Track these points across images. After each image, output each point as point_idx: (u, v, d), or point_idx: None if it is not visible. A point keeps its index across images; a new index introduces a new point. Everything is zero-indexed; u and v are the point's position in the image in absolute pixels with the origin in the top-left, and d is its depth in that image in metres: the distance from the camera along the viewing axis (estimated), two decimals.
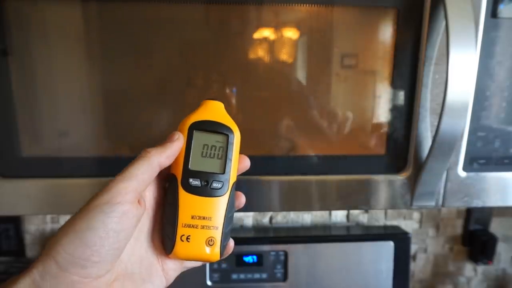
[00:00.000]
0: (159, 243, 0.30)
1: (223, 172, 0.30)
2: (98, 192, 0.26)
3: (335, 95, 0.48)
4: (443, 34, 0.45)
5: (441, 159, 0.45)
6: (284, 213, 0.87)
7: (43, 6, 0.42)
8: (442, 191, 0.50)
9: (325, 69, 0.46)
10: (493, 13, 0.45)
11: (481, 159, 0.49)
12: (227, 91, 0.46)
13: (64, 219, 0.83)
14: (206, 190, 0.29)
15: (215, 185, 0.30)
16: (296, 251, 0.79)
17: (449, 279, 0.95)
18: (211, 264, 0.78)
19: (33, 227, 0.83)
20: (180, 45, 0.44)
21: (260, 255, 0.79)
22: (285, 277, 0.79)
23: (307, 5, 0.44)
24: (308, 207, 0.50)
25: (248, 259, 0.79)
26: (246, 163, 0.32)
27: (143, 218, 0.29)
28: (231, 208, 0.30)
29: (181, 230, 0.29)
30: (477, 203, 0.51)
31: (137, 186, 0.26)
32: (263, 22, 0.44)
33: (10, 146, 0.45)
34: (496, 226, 0.92)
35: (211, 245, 0.30)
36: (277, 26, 0.45)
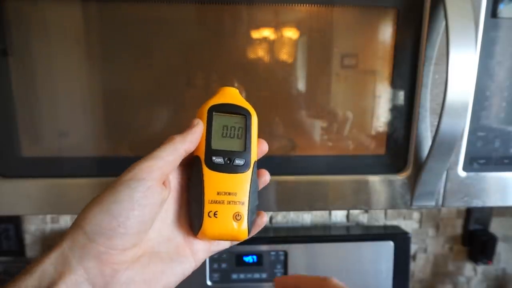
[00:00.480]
0: (186, 225, 0.31)
1: (244, 150, 0.31)
2: (125, 171, 0.27)
3: (335, 95, 0.48)
4: (443, 34, 0.45)
5: (441, 159, 0.45)
6: (284, 213, 0.87)
7: (43, 6, 0.42)
8: (442, 191, 0.50)
9: (325, 69, 0.46)
10: (493, 13, 0.45)
11: (481, 159, 0.49)
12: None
13: (64, 219, 0.83)
14: (229, 167, 0.30)
15: (237, 162, 0.31)
16: (296, 251, 0.79)
17: (449, 279, 0.95)
18: (211, 264, 0.78)
19: (33, 227, 0.83)
20: (180, 45, 0.44)
21: (260, 255, 0.79)
22: None
23: (307, 5, 0.44)
24: (308, 207, 0.50)
25: (248, 259, 0.79)
26: (265, 146, 0.33)
27: (169, 201, 0.30)
28: (255, 184, 0.31)
29: (208, 207, 0.29)
30: (477, 203, 0.51)
31: (162, 165, 0.27)
32: (263, 22, 0.44)
33: (10, 146, 0.45)
34: (496, 226, 0.92)
35: (238, 220, 0.30)
36: (277, 26, 0.45)
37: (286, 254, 0.79)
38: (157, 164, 0.27)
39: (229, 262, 0.78)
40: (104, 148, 0.47)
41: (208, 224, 0.29)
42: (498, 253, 0.93)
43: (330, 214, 0.89)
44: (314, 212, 0.88)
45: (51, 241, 0.84)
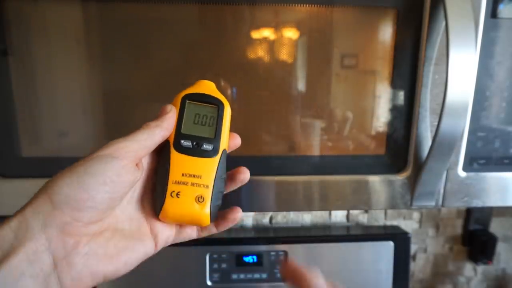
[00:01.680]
0: (150, 207, 0.31)
1: (214, 137, 0.32)
2: (100, 148, 0.27)
3: (335, 95, 0.48)
4: (443, 34, 0.45)
5: (441, 159, 0.45)
6: (284, 213, 0.87)
7: (43, 6, 0.42)
8: (442, 191, 0.50)
9: (325, 69, 0.46)
10: (493, 13, 0.45)
11: (481, 159, 0.49)
12: (227, 90, 0.46)
13: None
14: (197, 151, 0.31)
15: (205, 147, 0.31)
16: (296, 251, 0.79)
17: (449, 279, 0.95)
18: (211, 264, 0.78)
19: None
20: (180, 45, 0.44)
21: (260, 255, 0.79)
22: None
23: (307, 5, 0.44)
24: (308, 207, 0.50)
25: (248, 259, 0.79)
26: (237, 140, 0.33)
27: (137, 183, 0.30)
28: (222, 171, 0.32)
29: (171, 187, 0.30)
30: (477, 203, 0.51)
31: (138, 148, 0.28)
32: (263, 22, 0.44)
33: (10, 146, 0.45)
34: (496, 226, 0.92)
35: (200, 202, 0.30)
36: (277, 26, 0.45)
37: (286, 254, 0.79)
38: (133, 146, 0.28)
39: (229, 262, 0.78)
40: None
41: (170, 203, 0.30)
42: (498, 253, 0.93)
43: (330, 214, 0.89)
44: (314, 212, 0.88)
45: None
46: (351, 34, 0.46)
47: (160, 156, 0.31)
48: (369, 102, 0.48)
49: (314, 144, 0.49)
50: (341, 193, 0.50)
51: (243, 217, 0.86)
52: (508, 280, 0.96)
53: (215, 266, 0.78)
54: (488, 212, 0.90)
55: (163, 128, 0.30)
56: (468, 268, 0.94)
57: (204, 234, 0.33)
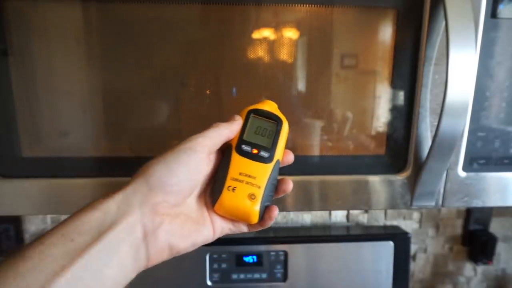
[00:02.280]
0: (208, 200, 0.35)
1: (270, 147, 0.36)
2: (183, 141, 0.32)
3: (335, 95, 0.48)
4: (443, 34, 0.45)
5: (441, 159, 0.45)
6: (284, 213, 0.87)
7: (43, 6, 0.42)
8: (442, 191, 0.50)
9: (325, 69, 0.46)
10: (492, 13, 0.45)
11: (481, 159, 0.49)
12: (228, 90, 0.46)
13: (64, 219, 0.83)
14: (254, 156, 0.35)
15: (262, 153, 0.35)
16: (296, 251, 0.79)
17: (449, 279, 0.95)
18: (211, 264, 0.78)
19: (33, 227, 0.83)
20: (180, 45, 0.44)
21: (260, 255, 0.79)
22: (285, 277, 0.79)
23: (307, 5, 0.44)
24: (308, 207, 0.50)
25: (248, 259, 0.79)
26: (291, 156, 0.38)
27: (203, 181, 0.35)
28: (273, 178, 0.36)
29: (229, 182, 0.34)
30: (477, 203, 0.51)
31: (210, 144, 0.33)
32: (263, 22, 0.44)
33: (10, 146, 0.45)
34: (496, 226, 0.92)
35: (252, 199, 0.34)
36: (277, 27, 0.45)
37: (286, 254, 0.79)
38: (207, 142, 0.33)
39: (229, 262, 0.78)
40: (104, 148, 0.47)
41: (226, 196, 0.34)
42: (498, 253, 0.93)
43: (330, 214, 0.89)
44: (314, 212, 0.88)
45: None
46: (351, 34, 0.46)
47: (223, 157, 0.36)
48: (369, 102, 0.48)
49: (314, 144, 0.49)
50: (341, 193, 0.50)
51: None
52: (508, 280, 0.96)
53: (215, 266, 0.78)
54: (488, 212, 0.90)
55: (229, 130, 0.35)
56: (468, 268, 0.94)
57: (253, 229, 0.37)
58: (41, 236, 0.26)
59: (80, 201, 0.47)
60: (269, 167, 0.35)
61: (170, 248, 0.31)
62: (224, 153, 0.36)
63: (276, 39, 0.45)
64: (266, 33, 0.45)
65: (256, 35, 0.45)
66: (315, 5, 0.44)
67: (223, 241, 0.79)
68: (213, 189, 0.35)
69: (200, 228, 0.33)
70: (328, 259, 0.80)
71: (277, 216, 0.35)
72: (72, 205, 0.47)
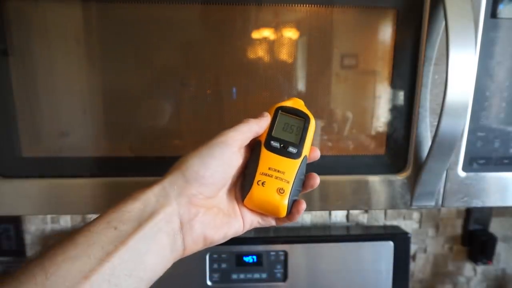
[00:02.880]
0: (237, 195, 0.36)
1: (298, 143, 0.37)
2: (216, 136, 0.33)
3: (335, 95, 0.48)
4: (442, 34, 0.45)
5: (441, 159, 0.45)
6: None
7: (44, 6, 0.42)
8: (442, 191, 0.50)
9: (325, 69, 0.46)
10: (492, 13, 0.45)
11: (481, 159, 0.49)
12: (228, 90, 0.46)
13: (64, 219, 0.83)
14: (283, 151, 0.36)
15: (290, 149, 0.36)
16: (296, 251, 0.79)
17: (449, 279, 0.95)
18: (211, 264, 0.78)
19: (33, 227, 0.83)
20: (181, 45, 0.44)
21: (260, 255, 0.79)
22: (285, 277, 0.79)
23: (307, 5, 0.44)
24: (308, 207, 0.50)
25: (248, 259, 0.79)
26: (317, 153, 0.38)
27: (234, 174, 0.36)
28: (301, 173, 0.36)
29: (258, 177, 0.35)
30: (476, 203, 0.51)
31: (241, 138, 0.34)
32: (263, 22, 0.44)
33: (10, 146, 0.45)
34: (495, 226, 0.92)
35: (281, 194, 0.35)
36: (277, 27, 0.45)
37: (286, 254, 0.79)
38: (239, 136, 0.34)
39: (229, 262, 0.78)
40: (104, 148, 0.47)
41: (256, 190, 0.35)
42: (498, 253, 0.93)
43: (330, 214, 0.89)
44: (314, 212, 0.88)
45: (51, 241, 0.84)
46: (351, 34, 0.46)
47: (252, 153, 0.37)
48: (369, 102, 0.48)
49: (314, 144, 0.49)
50: (341, 193, 0.50)
51: None
52: (508, 280, 0.96)
53: (215, 266, 0.78)
54: (488, 212, 0.90)
55: (258, 125, 0.36)
56: (468, 268, 0.94)
57: (280, 223, 0.38)
58: (88, 223, 0.28)
59: (80, 201, 0.47)
60: (297, 162, 0.36)
61: (204, 239, 0.32)
62: (253, 149, 0.37)
63: (276, 39, 0.45)
64: (266, 33, 0.45)
65: (256, 35, 0.45)
66: (315, 5, 0.44)
67: None
68: (243, 184, 0.36)
69: (231, 221, 0.35)
70: (328, 259, 0.80)
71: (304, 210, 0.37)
72: (72, 205, 0.47)
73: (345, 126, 0.49)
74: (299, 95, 0.47)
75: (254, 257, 0.79)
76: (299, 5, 0.44)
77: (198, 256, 0.78)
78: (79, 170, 0.47)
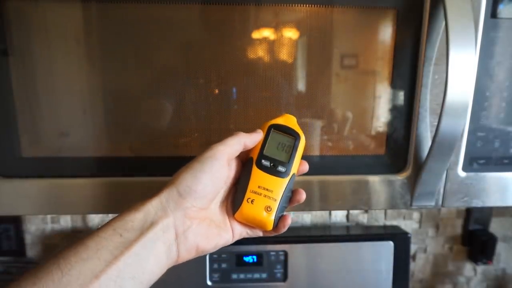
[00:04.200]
0: (229, 208, 0.39)
1: (287, 162, 0.39)
2: (204, 151, 0.36)
3: (335, 95, 0.48)
4: (443, 34, 0.45)
5: (441, 159, 0.45)
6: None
7: (44, 6, 0.42)
8: (442, 191, 0.50)
9: (325, 69, 0.46)
10: (492, 13, 0.45)
11: (481, 159, 0.49)
12: (228, 90, 0.46)
13: (64, 219, 0.83)
14: (273, 171, 0.39)
15: (280, 168, 0.39)
16: (296, 251, 0.79)
17: (449, 279, 0.95)
18: (211, 264, 0.78)
19: (33, 227, 0.83)
20: (181, 45, 0.44)
21: (260, 255, 0.79)
22: (285, 277, 0.79)
23: (307, 5, 0.44)
24: (308, 207, 0.50)
25: (248, 259, 0.79)
26: (306, 166, 0.41)
27: (225, 187, 0.38)
28: (288, 191, 0.39)
29: (248, 194, 0.38)
30: (477, 203, 0.51)
31: (230, 151, 0.36)
32: (263, 22, 0.44)
33: (10, 146, 0.45)
34: (495, 226, 0.92)
35: (268, 211, 0.38)
36: (277, 27, 0.45)
37: (286, 254, 0.79)
38: (227, 150, 0.36)
39: (229, 262, 0.78)
40: (104, 148, 0.47)
41: (245, 207, 0.37)
42: (498, 253, 0.93)
43: (330, 214, 0.89)
44: (314, 212, 0.88)
45: (51, 241, 0.84)
46: (351, 34, 0.46)
47: (244, 169, 0.39)
48: (369, 102, 0.48)
49: (314, 144, 0.49)
50: (341, 193, 0.50)
51: None
52: (508, 280, 0.96)
53: (215, 266, 0.78)
54: (488, 212, 0.90)
55: (249, 139, 0.38)
56: (468, 268, 0.94)
57: (268, 234, 0.40)
58: (96, 230, 0.31)
59: (80, 201, 0.47)
60: (285, 181, 0.39)
61: (197, 248, 0.35)
62: (245, 165, 0.39)
63: (276, 39, 0.45)
64: (266, 33, 0.45)
65: (256, 35, 0.45)
66: (315, 5, 0.44)
67: None
68: (234, 199, 0.39)
69: (221, 232, 0.37)
70: (328, 259, 0.80)
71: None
72: (72, 205, 0.47)
73: (345, 126, 0.49)
74: (299, 95, 0.47)
75: (254, 257, 0.79)
76: (299, 5, 0.44)
77: (198, 256, 0.78)
78: (79, 170, 0.47)
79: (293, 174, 0.39)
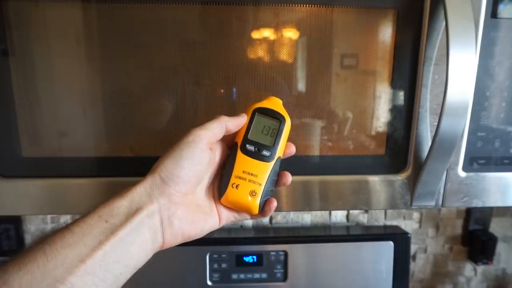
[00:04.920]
0: (216, 191, 0.39)
1: (272, 146, 0.39)
2: (184, 134, 0.36)
3: (335, 95, 0.48)
4: (442, 34, 0.45)
5: (441, 159, 0.45)
6: (284, 213, 0.87)
7: (44, 6, 0.42)
8: (442, 191, 0.50)
9: (325, 69, 0.46)
10: (493, 13, 0.45)
11: (481, 159, 0.49)
12: (228, 90, 0.46)
13: (64, 219, 0.83)
14: (257, 155, 0.39)
15: (264, 153, 0.39)
16: (296, 251, 0.79)
17: (449, 279, 0.95)
18: (211, 264, 0.78)
19: (33, 227, 0.83)
20: (181, 45, 0.44)
21: (260, 255, 0.79)
22: (285, 277, 0.79)
23: (307, 5, 0.44)
24: (308, 207, 0.50)
25: (248, 259, 0.79)
26: (292, 148, 0.41)
27: (210, 171, 0.39)
28: (274, 174, 0.39)
29: (233, 179, 0.38)
30: (477, 203, 0.51)
31: (210, 135, 0.36)
32: (263, 22, 0.44)
33: (10, 146, 0.45)
34: (495, 226, 0.92)
35: (253, 196, 0.38)
36: (277, 27, 0.45)
37: (286, 254, 0.79)
38: (207, 134, 0.36)
39: (229, 262, 0.78)
40: (104, 148, 0.47)
41: (230, 192, 0.38)
42: (498, 253, 0.93)
43: (330, 214, 0.89)
44: (314, 212, 0.88)
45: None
46: (351, 34, 0.46)
47: (229, 154, 0.39)
48: (369, 102, 0.48)
49: (314, 144, 0.49)
50: (341, 193, 0.50)
51: None
52: (508, 280, 0.96)
53: (215, 266, 0.78)
54: (488, 212, 0.90)
55: (231, 123, 0.38)
56: (468, 268, 0.94)
57: (255, 218, 0.41)
58: (82, 216, 0.32)
59: (80, 201, 0.47)
60: (270, 165, 0.39)
61: (182, 233, 0.35)
62: (231, 149, 0.39)
63: (276, 39, 0.45)
64: (266, 33, 0.45)
65: (256, 35, 0.45)
66: (315, 5, 0.44)
67: (223, 241, 0.79)
68: (220, 184, 0.39)
69: (207, 218, 0.38)
70: (328, 259, 0.80)
71: (275, 208, 0.40)
72: (72, 205, 0.47)
73: (345, 126, 0.49)
74: (299, 95, 0.47)
75: (254, 257, 0.79)
76: (299, 5, 0.44)
77: (198, 256, 0.78)
78: (79, 170, 0.47)
79: (279, 158, 0.39)
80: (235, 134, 0.39)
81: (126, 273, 0.32)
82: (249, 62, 0.45)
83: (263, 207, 0.39)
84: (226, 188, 0.38)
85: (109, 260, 0.30)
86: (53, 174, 0.46)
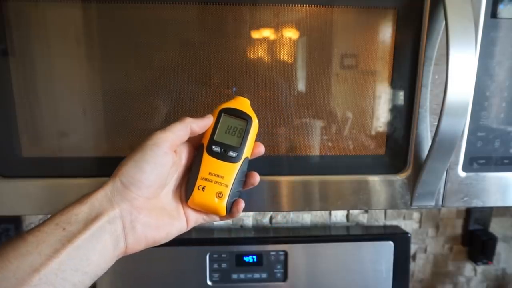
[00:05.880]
0: (182, 195, 0.39)
1: (239, 147, 0.38)
2: (147, 138, 0.35)
3: (335, 95, 0.48)
4: (443, 34, 0.45)
5: (441, 159, 0.45)
6: (284, 213, 0.87)
7: (44, 6, 0.42)
8: (442, 191, 0.50)
9: (325, 69, 0.46)
10: (493, 13, 0.45)
11: (481, 159, 0.49)
12: (228, 90, 0.46)
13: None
14: (223, 156, 0.38)
15: (231, 154, 0.38)
16: (296, 251, 0.79)
17: (449, 279, 0.95)
18: (211, 264, 0.78)
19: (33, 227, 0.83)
20: (180, 45, 0.44)
21: (260, 255, 0.79)
22: (285, 277, 0.79)
23: (307, 5, 0.44)
24: (308, 207, 0.50)
25: (248, 259, 0.79)
26: (261, 148, 0.40)
27: (176, 176, 0.38)
28: (241, 175, 0.39)
29: (199, 182, 0.37)
30: (477, 203, 0.51)
31: (174, 138, 0.36)
32: (264, 22, 0.44)
33: (10, 146, 0.45)
34: (495, 226, 0.92)
35: (220, 197, 0.37)
36: (277, 27, 0.45)
37: (286, 254, 0.79)
38: (171, 136, 0.35)
39: (229, 262, 0.78)
40: (104, 148, 0.47)
41: (196, 194, 0.37)
42: (498, 253, 0.93)
43: (330, 214, 0.89)
44: (314, 212, 0.88)
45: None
46: (351, 34, 0.46)
47: (196, 156, 0.39)
48: (369, 102, 0.48)
49: (314, 144, 0.49)
50: (341, 193, 0.50)
51: (243, 217, 0.86)
52: (508, 280, 0.96)
53: (215, 266, 0.78)
54: (488, 212, 0.90)
55: (196, 125, 0.37)
56: (468, 268, 0.94)
57: (224, 219, 0.40)
58: (38, 224, 0.31)
59: None
60: (237, 166, 0.38)
61: (146, 238, 0.34)
62: (197, 151, 0.39)
63: (276, 39, 0.45)
64: (266, 33, 0.45)
65: (256, 35, 0.45)
66: (315, 5, 0.44)
67: (223, 241, 0.79)
68: (186, 187, 0.38)
69: (174, 221, 0.37)
70: (328, 259, 0.80)
71: (243, 208, 0.39)
72: None
73: (345, 126, 0.49)
74: (299, 95, 0.47)
75: (254, 257, 0.79)
76: (299, 5, 0.44)
77: (198, 256, 0.78)
78: (79, 170, 0.47)
79: (246, 158, 0.39)
80: (202, 135, 0.39)
81: (86, 280, 0.31)
82: (249, 62, 0.45)
83: (231, 209, 0.38)
84: (192, 190, 0.37)
85: (66, 269, 0.29)
86: (53, 174, 0.46)
